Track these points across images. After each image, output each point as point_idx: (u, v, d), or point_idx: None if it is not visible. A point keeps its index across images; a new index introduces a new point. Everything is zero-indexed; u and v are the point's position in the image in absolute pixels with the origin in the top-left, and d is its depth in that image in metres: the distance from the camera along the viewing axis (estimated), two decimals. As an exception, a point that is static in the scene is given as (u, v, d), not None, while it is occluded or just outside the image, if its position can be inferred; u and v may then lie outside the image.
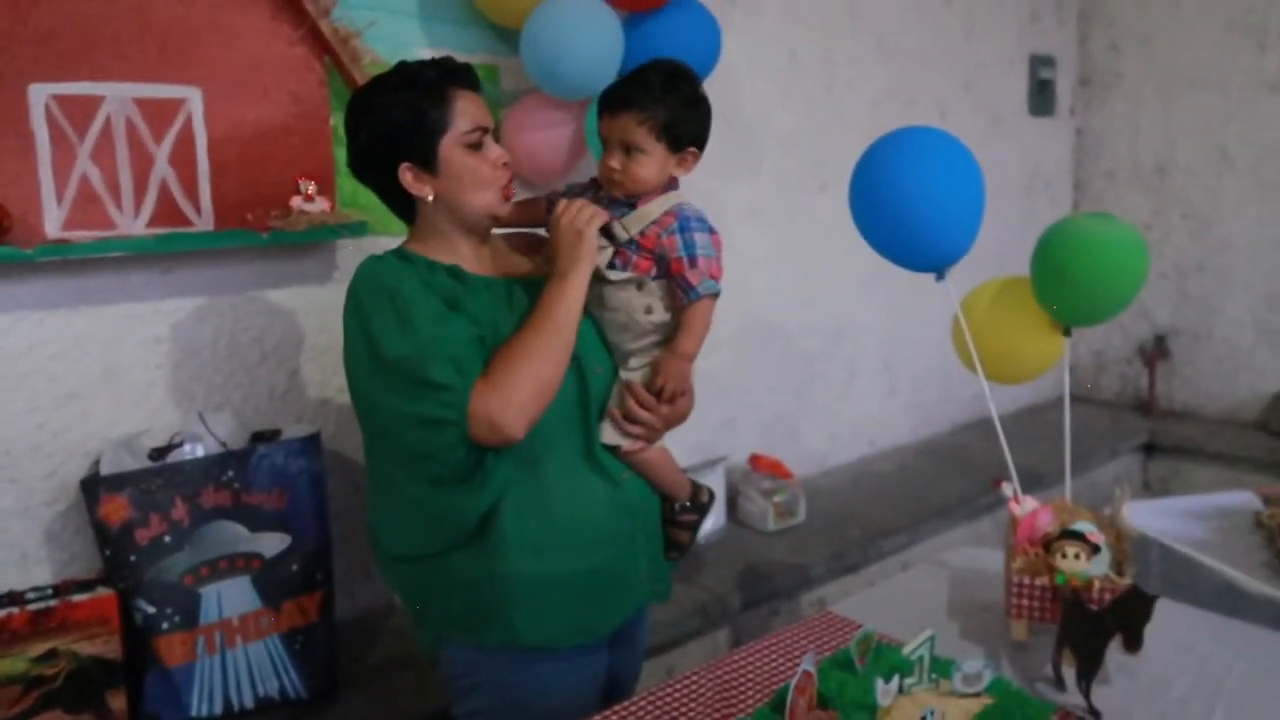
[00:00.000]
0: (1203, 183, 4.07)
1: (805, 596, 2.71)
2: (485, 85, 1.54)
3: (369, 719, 1.94)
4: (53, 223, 1.83)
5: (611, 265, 1.50)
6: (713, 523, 2.77)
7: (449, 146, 1.44)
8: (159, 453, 1.88)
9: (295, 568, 1.92)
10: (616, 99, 1.50)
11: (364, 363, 1.40)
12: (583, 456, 1.51)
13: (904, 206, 1.74)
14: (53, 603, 1.74)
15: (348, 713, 1.96)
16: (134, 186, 1.90)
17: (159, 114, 1.91)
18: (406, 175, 1.45)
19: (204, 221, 1.98)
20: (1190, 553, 2.03)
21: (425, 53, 2.23)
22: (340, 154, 2.09)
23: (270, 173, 2.03)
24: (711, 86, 1.64)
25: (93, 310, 1.93)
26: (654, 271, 1.50)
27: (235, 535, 1.87)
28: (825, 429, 3.47)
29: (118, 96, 1.87)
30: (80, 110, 1.83)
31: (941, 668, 1.33)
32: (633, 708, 1.41)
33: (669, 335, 1.53)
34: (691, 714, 1.39)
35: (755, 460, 3.02)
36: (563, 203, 1.49)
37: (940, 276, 1.83)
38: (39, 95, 1.80)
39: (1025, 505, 1.73)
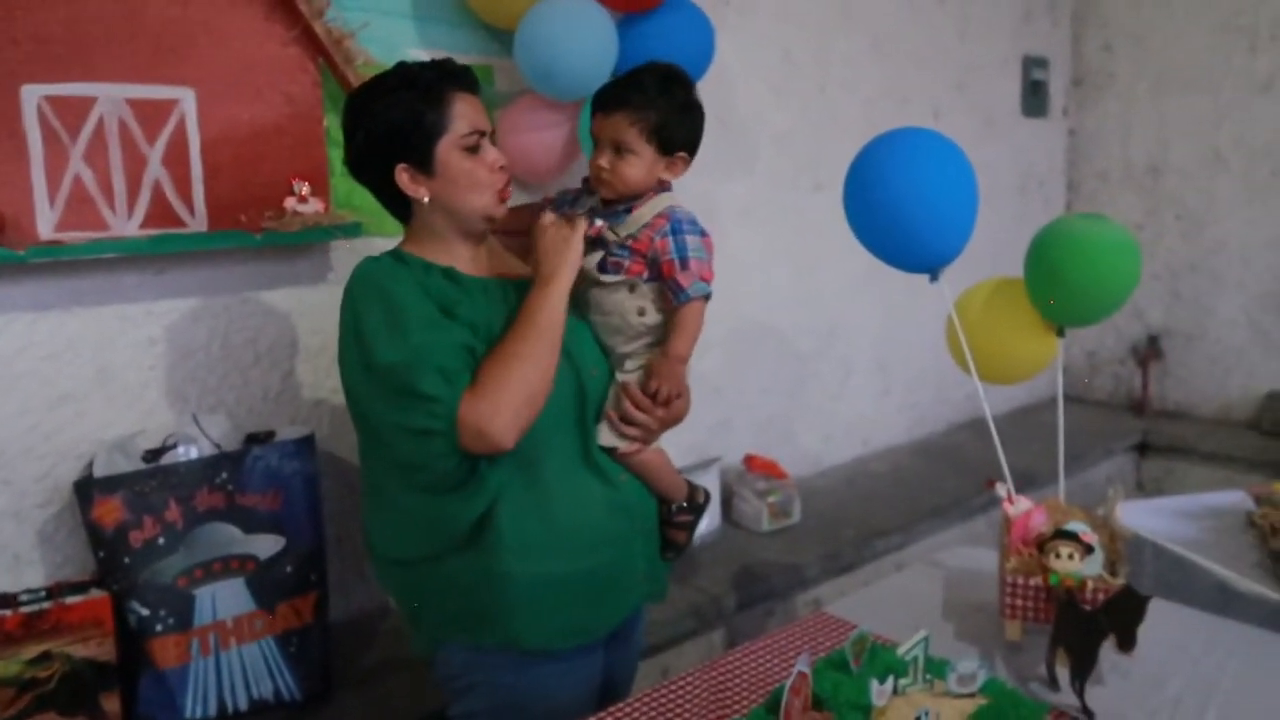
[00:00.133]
0: (1195, 183, 4.09)
1: (800, 597, 2.71)
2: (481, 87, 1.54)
3: (364, 721, 1.95)
4: (45, 224, 1.82)
5: (604, 269, 1.50)
6: (707, 523, 2.77)
7: (446, 149, 1.43)
8: (153, 454, 1.88)
9: (289, 569, 1.92)
10: (610, 99, 1.51)
11: (357, 367, 1.40)
12: (580, 458, 1.51)
13: (898, 207, 1.75)
14: (46, 605, 1.74)
15: (342, 714, 1.96)
16: (127, 187, 1.90)
17: (152, 115, 1.91)
18: (403, 176, 1.45)
19: (197, 222, 1.97)
20: (1183, 553, 2.03)
21: (419, 54, 2.24)
22: (334, 155, 2.10)
23: (264, 174, 2.03)
24: (705, 87, 1.64)
25: (86, 312, 1.92)
26: (646, 274, 1.50)
27: (229, 537, 1.87)
28: (819, 429, 3.48)
29: (110, 97, 1.86)
30: (73, 111, 1.83)
31: (936, 668, 1.33)
32: (628, 709, 1.41)
33: (662, 337, 1.53)
34: (687, 715, 1.40)
35: (750, 461, 3.02)
36: (548, 214, 1.50)
37: (934, 277, 1.84)
38: (31, 96, 1.79)
39: (1019, 505, 1.74)
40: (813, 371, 3.42)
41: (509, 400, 1.34)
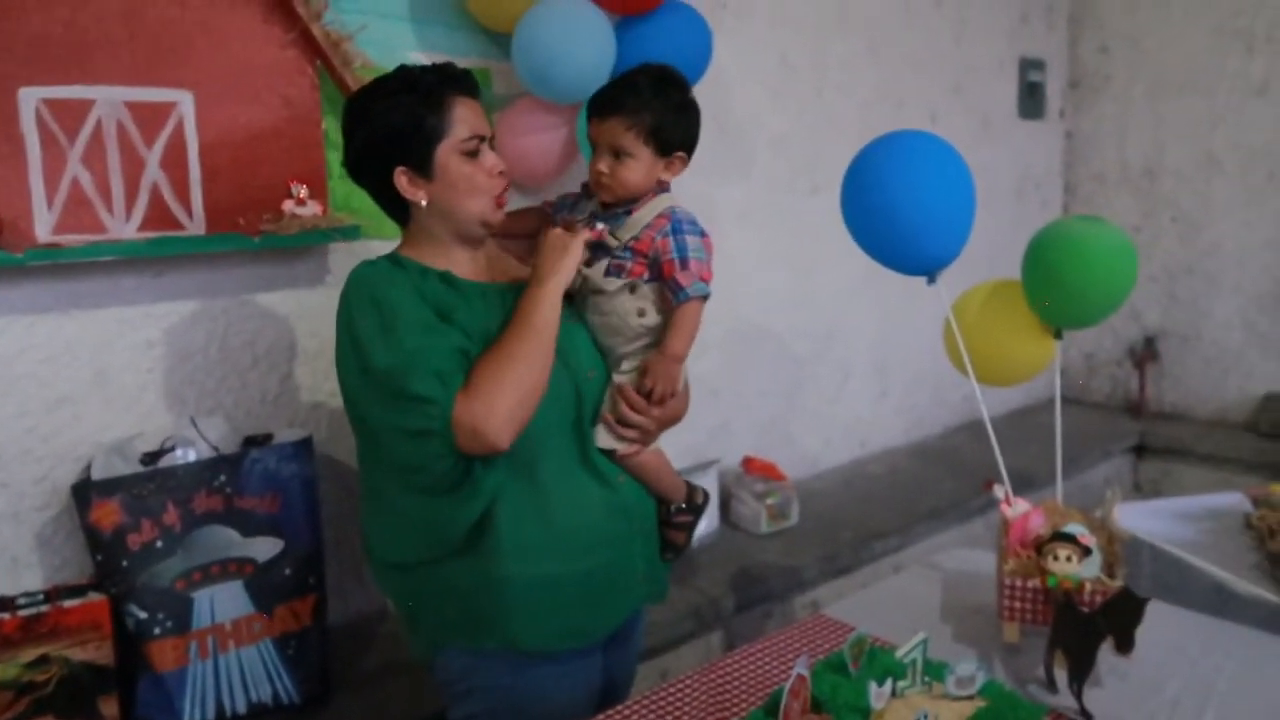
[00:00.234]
0: (1191, 186, 4.09)
1: (798, 599, 2.72)
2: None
3: (362, 724, 1.94)
4: (43, 227, 1.82)
5: (606, 273, 1.51)
6: (706, 525, 2.76)
7: (445, 153, 1.44)
8: (151, 457, 1.88)
9: (288, 572, 1.92)
10: (605, 103, 1.51)
11: (354, 371, 1.41)
12: (578, 460, 1.51)
13: (895, 210, 1.75)
14: (44, 608, 1.74)
15: (341, 718, 1.96)
16: (125, 190, 1.89)
17: (150, 117, 1.91)
18: (401, 179, 1.45)
19: (195, 225, 1.97)
20: (1181, 554, 2.04)
21: (416, 56, 2.24)
22: (333, 157, 2.10)
23: (262, 176, 2.03)
24: (702, 90, 1.65)
25: (84, 314, 1.92)
26: (646, 275, 1.51)
27: (227, 540, 1.87)
28: (818, 431, 3.48)
29: (109, 100, 1.86)
30: (71, 114, 1.83)
31: (934, 670, 1.33)
32: (627, 712, 1.41)
33: (661, 338, 1.53)
34: (686, 717, 1.40)
35: (748, 463, 3.02)
36: (557, 228, 1.51)
37: (932, 280, 1.84)
38: (29, 99, 1.79)
39: (1017, 507, 1.74)
40: (810, 374, 3.43)
41: (503, 400, 1.34)
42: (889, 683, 1.26)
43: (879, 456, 3.68)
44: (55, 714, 1.73)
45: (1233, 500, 2.24)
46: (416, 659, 1.60)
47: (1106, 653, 1.43)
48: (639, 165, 1.50)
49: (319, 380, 2.22)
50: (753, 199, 3.13)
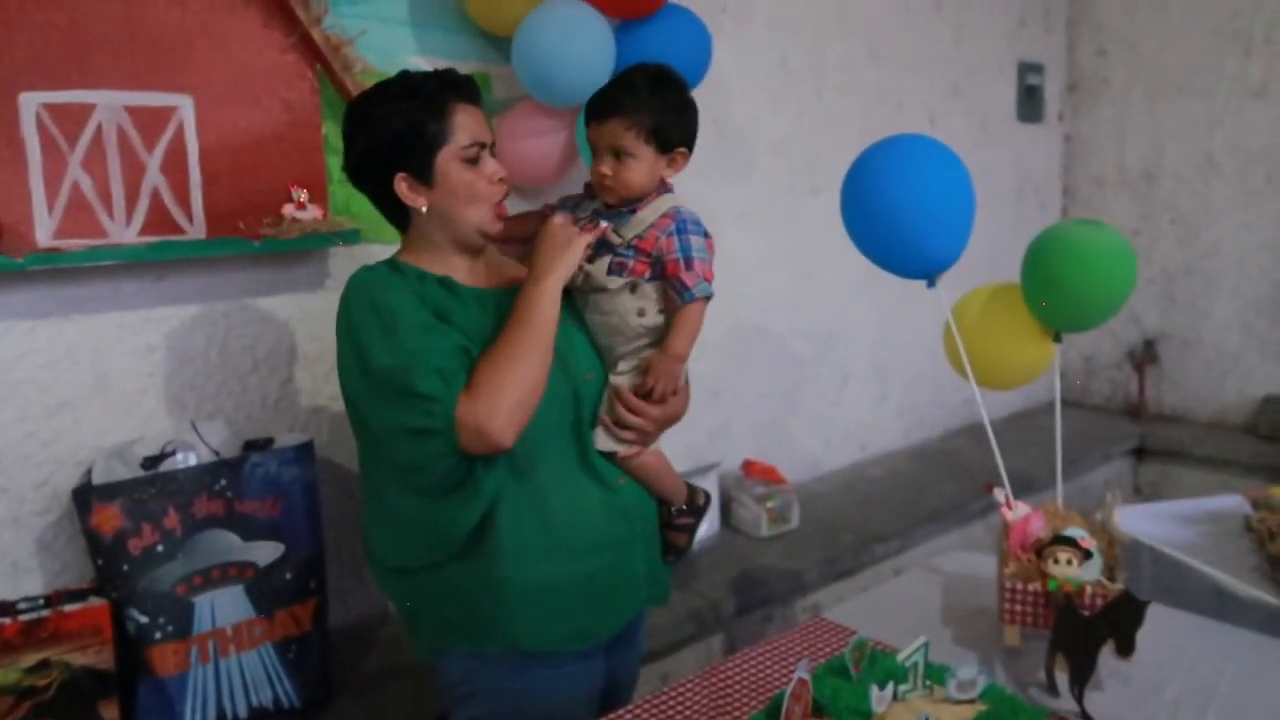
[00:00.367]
0: (1190, 188, 4.10)
1: (799, 602, 2.71)
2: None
3: (363, 728, 1.94)
4: (44, 231, 1.82)
5: (610, 272, 1.51)
6: (706, 529, 2.77)
7: (446, 160, 1.44)
8: (151, 461, 1.88)
9: (289, 576, 1.92)
10: (603, 105, 1.51)
11: (355, 374, 1.41)
12: (577, 462, 1.51)
13: (895, 214, 1.75)
14: (44, 613, 1.73)
15: (341, 721, 1.96)
16: (125, 195, 1.90)
17: (150, 122, 1.91)
18: (401, 185, 1.45)
19: (196, 229, 1.97)
20: (1181, 557, 2.04)
21: (416, 60, 2.24)
22: (333, 162, 2.10)
23: (262, 180, 2.03)
24: (702, 93, 1.65)
25: (84, 319, 1.92)
26: (648, 274, 1.51)
27: (228, 544, 1.87)
28: (818, 434, 3.48)
29: (109, 105, 1.86)
30: (71, 119, 1.83)
31: (935, 674, 1.34)
32: (627, 716, 1.41)
33: (659, 339, 1.54)
34: (687, 721, 1.40)
35: (748, 466, 3.02)
36: (559, 215, 1.51)
37: (931, 283, 1.84)
38: (30, 104, 1.79)
39: (1017, 510, 1.74)
40: (810, 376, 3.43)
41: (505, 400, 1.35)
42: (890, 686, 1.26)
43: (879, 459, 3.68)
44: (56, 719, 1.73)
45: (1232, 503, 2.24)
46: (418, 662, 1.60)
47: (1107, 656, 1.43)
48: (641, 165, 1.50)
49: (319, 384, 2.22)
50: (752, 201, 3.13)
